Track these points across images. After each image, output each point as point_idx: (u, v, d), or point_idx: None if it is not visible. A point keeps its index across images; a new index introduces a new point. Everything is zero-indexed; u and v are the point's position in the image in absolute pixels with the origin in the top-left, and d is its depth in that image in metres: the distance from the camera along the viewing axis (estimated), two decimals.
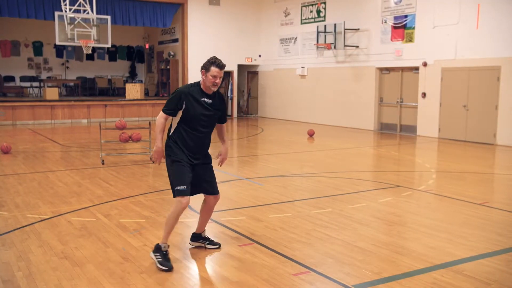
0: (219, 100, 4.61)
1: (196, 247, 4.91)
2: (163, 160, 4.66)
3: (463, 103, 13.55)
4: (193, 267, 4.47)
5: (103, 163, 9.54)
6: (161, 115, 4.47)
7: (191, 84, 4.57)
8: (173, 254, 4.69)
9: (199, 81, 4.53)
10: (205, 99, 4.46)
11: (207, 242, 4.89)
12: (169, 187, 7.53)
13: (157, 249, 4.43)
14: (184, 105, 4.40)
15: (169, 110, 4.45)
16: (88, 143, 12.48)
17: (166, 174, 8.39)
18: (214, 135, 4.73)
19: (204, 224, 4.89)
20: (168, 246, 4.49)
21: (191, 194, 4.53)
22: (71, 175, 8.43)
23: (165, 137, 4.63)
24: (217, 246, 4.88)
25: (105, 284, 4.00)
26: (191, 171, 4.50)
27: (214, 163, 4.84)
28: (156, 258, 4.37)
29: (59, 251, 4.75)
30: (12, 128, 16.26)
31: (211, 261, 4.59)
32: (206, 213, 4.87)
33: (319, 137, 14.29)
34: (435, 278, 4.17)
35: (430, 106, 14.47)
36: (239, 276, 4.18)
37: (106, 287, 3.95)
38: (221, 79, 4.47)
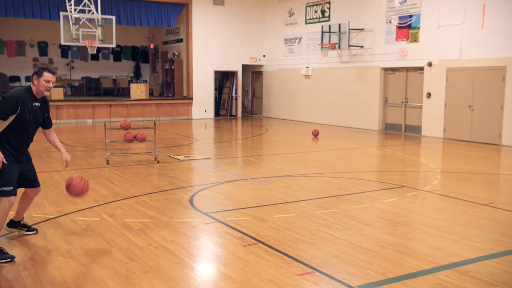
0: (46, 104, 4.93)
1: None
2: None
3: (468, 103, 13.51)
4: (197, 267, 4.47)
5: (108, 163, 9.57)
6: None
7: (23, 89, 4.72)
8: (177, 253, 4.70)
9: (30, 87, 4.74)
10: (35, 104, 4.73)
11: (25, 229, 5.24)
12: (174, 187, 7.57)
13: None
14: (18, 110, 4.56)
15: (4, 115, 4.53)
16: (93, 143, 12.52)
17: (170, 174, 8.41)
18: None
19: (23, 212, 5.23)
20: None
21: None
22: (76, 175, 8.44)
23: None
24: (35, 232, 5.24)
25: (110, 283, 4.02)
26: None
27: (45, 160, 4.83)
28: None
29: (64, 250, 4.77)
30: None
31: (216, 261, 4.59)
32: (27, 203, 5.20)
33: (323, 137, 14.28)
34: (440, 279, 4.16)
35: (435, 106, 14.43)
36: (244, 276, 4.19)
37: (111, 286, 3.97)
38: (54, 84, 4.78)
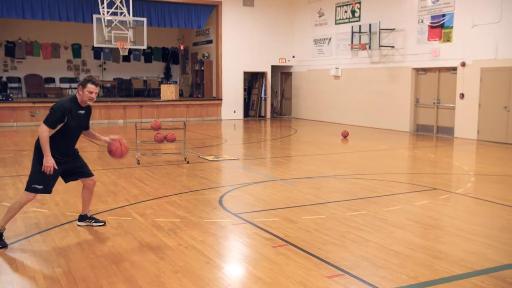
0: (89, 110, 5.37)
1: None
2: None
3: (504, 104, 13.14)
4: (226, 267, 4.48)
5: (138, 163, 9.71)
6: (46, 129, 4.88)
7: (69, 98, 5.14)
8: (206, 254, 4.73)
9: (75, 96, 5.16)
10: (80, 111, 5.14)
11: (93, 221, 5.57)
12: (204, 187, 7.62)
13: None
14: (66, 119, 4.97)
15: (54, 124, 4.93)
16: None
17: (200, 175, 8.47)
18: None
19: (88, 205, 5.58)
20: (4, 229, 5.02)
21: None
22: (108, 175, 8.61)
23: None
24: (102, 224, 5.56)
25: (141, 282, 4.07)
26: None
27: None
28: None
29: (96, 249, 4.86)
30: None
31: (245, 262, 4.59)
32: (89, 194, 5.55)
33: (353, 139, 14.14)
34: (475, 284, 4.05)
35: (469, 107, 14.10)
36: (273, 277, 4.18)
37: (142, 285, 4.02)
38: (96, 94, 5.18)
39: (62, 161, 5.08)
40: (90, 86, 5.04)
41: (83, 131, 5.39)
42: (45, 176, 4.92)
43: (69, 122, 4.98)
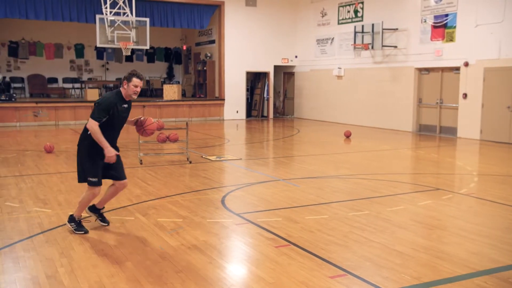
0: (130, 104, 5.45)
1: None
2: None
3: (507, 104, 13.11)
4: (229, 267, 4.48)
5: (141, 163, 9.71)
6: (95, 123, 5.06)
7: (114, 92, 5.28)
8: (209, 254, 4.73)
9: (120, 90, 5.28)
10: (124, 105, 5.28)
11: (100, 218, 5.59)
12: (206, 187, 7.62)
13: (73, 220, 5.32)
14: (111, 112, 5.15)
15: (101, 118, 5.09)
16: (126, 143, 12.73)
17: (203, 175, 8.47)
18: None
19: (105, 203, 5.62)
20: (81, 217, 5.36)
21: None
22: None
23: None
24: (106, 224, 5.56)
25: (143, 282, 4.07)
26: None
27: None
28: (71, 227, 5.27)
29: (99, 248, 4.86)
30: (55, 128, 16.78)
31: (247, 262, 4.59)
32: (113, 195, 5.61)
33: (355, 139, 14.12)
34: (478, 284, 4.04)
35: (472, 107, 14.06)
36: (275, 277, 4.17)
37: (144, 285, 4.02)
38: (141, 88, 5.30)
39: (102, 155, 5.17)
40: (135, 80, 5.14)
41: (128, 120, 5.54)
42: (96, 169, 5.13)
43: (113, 116, 5.11)
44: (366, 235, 5.30)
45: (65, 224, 5.55)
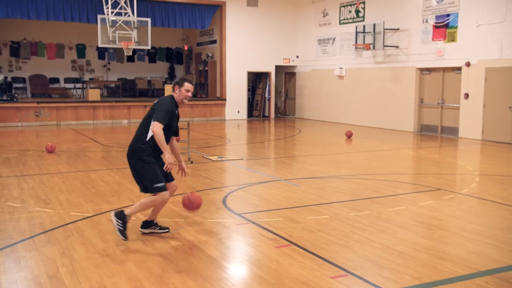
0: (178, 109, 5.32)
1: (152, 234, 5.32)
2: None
3: (509, 104, 13.09)
4: (230, 267, 4.49)
5: None
6: (160, 126, 4.92)
7: (169, 97, 5.19)
8: (210, 254, 4.73)
9: (172, 95, 5.20)
10: (176, 111, 5.22)
11: (158, 228, 5.35)
12: (207, 187, 7.62)
13: (123, 217, 4.91)
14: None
15: (166, 121, 4.98)
16: (128, 143, 12.72)
17: (204, 175, 8.46)
18: None
19: (156, 213, 5.36)
20: (130, 217, 5.00)
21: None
22: (112, 175, 8.63)
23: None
24: (167, 230, 5.34)
25: (144, 282, 4.07)
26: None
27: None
28: (118, 225, 4.88)
29: (100, 248, 4.87)
30: (57, 128, 16.80)
31: (248, 262, 4.60)
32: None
33: (357, 139, 14.11)
34: (479, 285, 4.04)
35: (473, 107, 14.05)
36: (277, 278, 4.17)
37: (145, 285, 4.02)
38: (192, 93, 5.21)
39: (157, 161, 5.09)
40: (187, 85, 5.11)
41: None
42: (158, 173, 4.98)
43: (170, 120, 5.05)
44: (367, 235, 5.30)
45: (67, 224, 5.54)
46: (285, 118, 21.62)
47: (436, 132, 15.48)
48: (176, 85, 5.15)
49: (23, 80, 21.28)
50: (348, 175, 8.86)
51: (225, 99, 20.53)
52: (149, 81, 23.30)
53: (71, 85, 22.07)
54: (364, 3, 17.78)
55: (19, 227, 5.55)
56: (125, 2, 16.38)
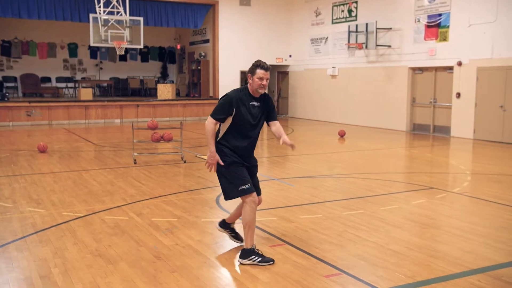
0: (266, 102, 4.59)
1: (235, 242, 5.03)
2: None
3: (500, 103, 13.18)
4: (224, 267, 4.48)
5: (135, 163, 9.69)
6: (211, 120, 4.44)
7: (239, 89, 4.57)
8: (203, 253, 4.72)
9: (247, 86, 4.54)
10: (253, 103, 4.47)
11: (233, 235, 4.99)
12: (201, 187, 7.60)
13: (250, 253, 4.43)
14: (234, 111, 4.40)
15: (219, 116, 4.44)
16: (120, 143, 12.70)
17: (197, 174, 8.43)
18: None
19: (236, 218, 4.95)
20: (255, 245, 4.51)
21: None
22: (104, 174, 8.59)
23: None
24: (241, 242, 4.91)
25: (138, 282, 4.06)
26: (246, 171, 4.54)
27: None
28: (254, 261, 4.41)
29: (93, 248, 4.84)
30: (48, 127, 16.70)
31: None
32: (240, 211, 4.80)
33: (350, 138, 14.15)
34: (472, 283, 4.06)
35: (465, 106, 14.13)
36: (270, 277, 4.17)
37: (139, 285, 4.01)
38: (267, 81, 4.44)
39: (240, 161, 4.50)
40: (260, 72, 4.38)
41: (268, 122, 4.67)
42: (242, 174, 4.43)
43: (238, 115, 4.39)
44: (361, 234, 5.31)
45: (59, 224, 5.50)
46: (278, 118, 21.60)
47: (428, 131, 15.56)
48: (249, 74, 4.45)
49: (14, 79, 21.14)
50: (341, 174, 8.88)
51: (218, 99, 20.43)
52: (141, 81, 23.23)
53: (63, 85, 21.95)
54: (356, 2, 17.82)
55: (10, 227, 5.50)
56: (117, 1, 16.32)
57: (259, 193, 4.66)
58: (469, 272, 4.29)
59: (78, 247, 4.87)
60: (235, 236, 5.00)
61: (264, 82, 4.40)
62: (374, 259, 4.58)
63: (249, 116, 4.44)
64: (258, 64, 4.43)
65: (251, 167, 4.65)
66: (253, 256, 4.42)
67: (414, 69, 15.88)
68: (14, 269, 4.33)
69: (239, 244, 4.92)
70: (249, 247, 4.45)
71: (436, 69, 15.19)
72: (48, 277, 4.16)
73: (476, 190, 7.59)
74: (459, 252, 4.78)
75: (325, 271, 4.31)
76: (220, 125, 4.54)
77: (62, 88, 21.79)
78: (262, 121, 4.59)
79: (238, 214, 4.86)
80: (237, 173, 4.44)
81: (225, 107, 4.40)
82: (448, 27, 14.48)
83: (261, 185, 7.83)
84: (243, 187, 4.39)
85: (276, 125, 4.68)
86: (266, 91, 4.62)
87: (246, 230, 4.47)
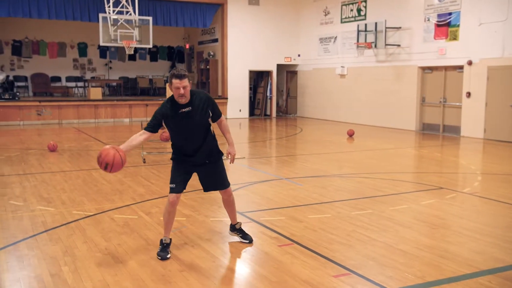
0: (200, 102, 4.57)
1: (239, 242, 5.08)
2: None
3: (511, 103, 13.06)
4: (232, 266, 4.49)
5: (144, 162, 9.72)
6: (142, 132, 4.54)
7: (166, 100, 4.60)
8: (212, 252, 4.74)
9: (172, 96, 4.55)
10: (182, 110, 4.50)
11: (240, 235, 5.08)
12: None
13: (160, 243, 4.72)
14: (164, 123, 4.56)
15: (149, 128, 4.55)
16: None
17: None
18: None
19: (231, 216, 5.08)
20: (166, 239, 4.74)
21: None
22: (114, 173, 8.62)
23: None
24: (247, 241, 5.01)
25: (147, 281, 4.07)
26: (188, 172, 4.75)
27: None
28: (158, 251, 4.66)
29: (103, 247, 4.87)
30: (58, 126, 16.81)
31: (251, 260, 4.59)
32: (226, 207, 5.06)
33: (359, 137, 14.10)
34: (482, 284, 4.03)
35: (475, 106, 14.02)
36: (279, 276, 4.17)
37: (148, 284, 4.02)
38: (186, 88, 4.40)
39: (183, 162, 4.69)
40: (175, 82, 4.35)
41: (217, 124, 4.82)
42: (173, 172, 4.71)
43: (169, 125, 4.56)
44: (370, 234, 5.30)
45: (69, 223, 5.53)
46: (286, 117, 21.60)
47: (438, 131, 15.46)
48: (168, 83, 4.69)
49: (25, 79, 21.29)
50: (350, 173, 8.86)
51: (226, 98, 20.52)
52: (150, 80, 23.30)
53: (72, 84, 22.09)
54: (365, 1, 17.75)
55: (21, 226, 5.55)
56: (126, 1, 16.37)
57: (220, 188, 4.85)
58: (479, 273, 4.25)
59: (87, 246, 4.90)
60: (242, 236, 5.07)
61: (181, 91, 4.37)
62: (383, 259, 4.57)
63: (179, 124, 4.52)
64: (173, 74, 4.40)
65: (204, 164, 4.73)
66: (160, 247, 4.68)
67: (423, 69, 15.78)
68: (25, 267, 4.37)
69: (247, 244, 4.99)
70: (162, 238, 4.76)
71: (446, 68, 15.08)
72: (58, 275, 4.19)
73: (486, 191, 7.53)
74: (469, 253, 4.75)
75: (334, 271, 4.30)
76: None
77: (72, 87, 21.92)
78: (199, 124, 4.58)
79: (229, 210, 5.04)
80: (172, 173, 4.72)
81: (154, 121, 4.53)
82: (458, 26, 14.37)
83: (270, 184, 7.87)
84: (170, 185, 4.67)
85: (221, 125, 4.89)
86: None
87: (235, 209, 5.03)
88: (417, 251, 4.78)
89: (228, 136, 4.89)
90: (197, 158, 4.68)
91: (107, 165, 4.23)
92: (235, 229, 5.10)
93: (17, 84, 20.85)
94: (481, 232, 5.42)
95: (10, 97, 17.27)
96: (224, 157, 4.88)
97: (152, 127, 4.53)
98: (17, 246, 4.89)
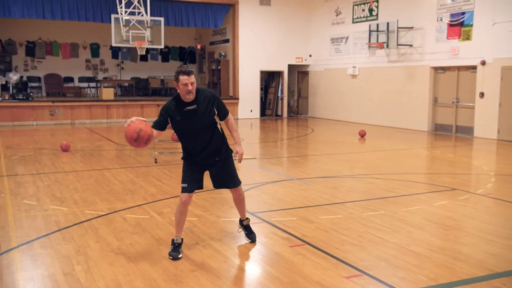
0: (205, 100, 4.60)
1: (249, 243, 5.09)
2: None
3: None
4: (244, 267, 4.49)
5: (156, 162, 9.77)
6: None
7: (172, 97, 4.63)
8: (224, 252, 4.74)
9: (178, 93, 4.56)
10: (188, 108, 4.52)
11: (246, 232, 5.11)
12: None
13: (172, 243, 4.72)
14: (170, 121, 4.57)
15: (155, 126, 4.56)
16: None
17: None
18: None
19: (240, 212, 5.10)
20: (177, 238, 4.72)
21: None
22: (126, 173, 8.69)
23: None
24: (250, 240, 5.04)
25: (159, 280, 4.09)
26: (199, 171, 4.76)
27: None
28: (170, 251, 4.68)
29: (115, 247, 4.90)
30: (71, 127, 16.96)
31: (262, 261, 4.59)
32: (236, 204, 5.09)
33: (370, 138, 14.03)
34: (496, 286, 3.99)
35: (489, 106, 13.88)
36: (290, 277, 4.16)
37: (160, 283, 4.04)
38: (193, 84, 4.45)
39: (194, 162, 4.72)
40: (183, 78, 4.38)
41: (224, 122, 4.83)
42: (184, 171, 4.73)
43: (175, 123, 4.56)
44: (382, 235, 5.27)
45: (82, 222, 5.58)
46: (298, 117, 21.57)
47: (450, 131, 15.33)
48: (174, 81, 4.48)
49: (38, 79, 21.51)
50: (362, 174, 8.81)
51: (237, 98, 20.54)
52: (162, 80, 23.40)
53: (85, 84, 22.26)
54: (377, 1, 17.66)
55: (35, 225, 5.60)
56: (138, 2, 16.46)
57: (230, 186, 4.87)
58: (493, 276, 4.21)
59: (100, 245, 4.94)
60: (247, 233, 5.11)
61: (189, 87, 4.40)
62: (396, 261, 4.54)
63: (185, 122, 4.54)
64: (180, 71, 4.42)
65: (214, 163, 4.75)
66: (171, 247, 4.67)
67: (436, 69, 15.66)
68: (38, 266, 4.41)
69: (248, 241, 5.07)
70: (173, 237, 4.74)
71: (459, 68, 14.95)
72: (71, 274, 4.22)
73: (500, 192, 7.45)
74: (483, 255, 4.70)
75: (345, 272, 4.28)
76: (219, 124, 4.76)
77: (84, 88, 22.10)
78: (205, 122, 4.61)
79: (239, 207, 5.06)
80: (184, 172, 4.73)
81: (159, 119, 4.57)
82: (471, 25, 14.24)
83: (281, 185, 7.86)
84: (182, 185, 4.68)
85: (228, 124, 4.88)
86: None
87: (244, 206, 5.03)
88: (429, 253, 4.74)
89: (235, 135, 4.88)
90: (205, 156, 4.68)
91: (140, 130, 4.28)
92: (242, 225, 5.14)
93: (30, 84, 21.06)
94: (494, 233, 5.36)
95: (24, 98, 17.45)
96: (233, 156, 4.89)
97: (158, 124, 4.55)
98: (30, 245, 4.94)
